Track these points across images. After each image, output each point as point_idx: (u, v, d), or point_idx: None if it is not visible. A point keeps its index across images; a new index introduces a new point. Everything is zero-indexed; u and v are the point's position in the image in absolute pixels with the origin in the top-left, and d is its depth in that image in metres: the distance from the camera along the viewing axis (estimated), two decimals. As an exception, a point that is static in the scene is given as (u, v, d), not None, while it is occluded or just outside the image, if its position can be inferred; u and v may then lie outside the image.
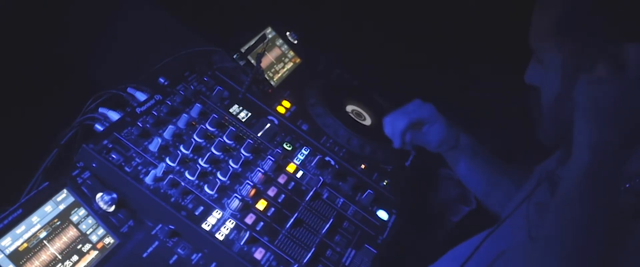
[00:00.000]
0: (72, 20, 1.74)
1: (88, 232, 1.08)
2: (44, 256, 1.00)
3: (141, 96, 1.36)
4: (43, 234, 1.02)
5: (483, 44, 2.05)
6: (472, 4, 2.08)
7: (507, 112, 2.18)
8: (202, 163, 1.28)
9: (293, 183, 1.38)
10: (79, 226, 1.07)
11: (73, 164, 1.15)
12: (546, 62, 1.03)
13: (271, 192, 1.33)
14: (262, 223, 1.25)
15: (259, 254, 1.18)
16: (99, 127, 1.24)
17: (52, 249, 1.02)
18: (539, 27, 1.04)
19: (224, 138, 1.36)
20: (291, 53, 1.80)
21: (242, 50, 1.60)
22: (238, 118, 1.47)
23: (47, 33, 1.70)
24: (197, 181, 1.23)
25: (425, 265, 1.34)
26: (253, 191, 1.29)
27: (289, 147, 1.48)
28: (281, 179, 1.37)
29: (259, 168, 1.34)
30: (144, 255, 1.11)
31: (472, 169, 1.43)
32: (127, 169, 1.17)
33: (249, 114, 1.50)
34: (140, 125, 1.26)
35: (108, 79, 1.49)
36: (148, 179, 1.17)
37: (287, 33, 1.82)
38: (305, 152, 1.50)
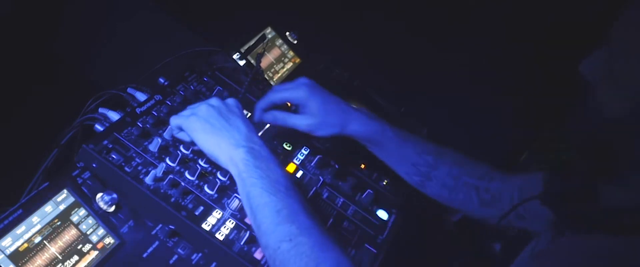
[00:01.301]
0: (72, 20, 1.75)
1: (88, 233, 1.08)
2: (45, 256, 1.01)
3: (141, 96, 1.36)
4: (43, 235, 1.02)
5: (484, 44, 2.05)
6: (473, 3, 2.08)
7: (507, 113, 2.18)
8: (202, 163, 1.28)
9: (293, 183, 1.38)
10: (79, 226, 1.07)
11: (73, 164, 1.15)
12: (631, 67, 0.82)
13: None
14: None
15: (259, 254, 1.18)
16: (99, 127, 1.24)
17: (53, 249, 1.02)
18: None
19: (224, 138, 1.36)
20: (291, 53, 1.80)
21: (242, 50, 1.60)
22: (238, 118, 1.47)
23: (48, 33, 1.70)
24: (197, 181, 1.23)
25: (424, 265, 1.34)
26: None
27: (289, 147, 1.48)
28: (281, 179, 1.37)
29: (259, 168, 1.34)
30: (144, 255, 1.11)
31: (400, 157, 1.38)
32: (127, 169, 1.17)
33: (249, 114, 1.50)
34: (140, 125, 1.26)
35: (108, 79, 1.50)
36: (148, 179, 1.17)
37: (287, 33, 1.82)
38: (305, 152, 1.50)
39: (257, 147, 1.12)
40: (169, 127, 1.27)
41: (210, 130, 1.13)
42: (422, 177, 1.37)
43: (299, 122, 1.33)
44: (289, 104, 1.45)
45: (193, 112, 1.16)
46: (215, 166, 1.29)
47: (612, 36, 0.87)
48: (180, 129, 1.19)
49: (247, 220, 1.23)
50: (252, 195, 1.07)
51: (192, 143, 1.19)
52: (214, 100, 1.18)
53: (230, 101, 1.21)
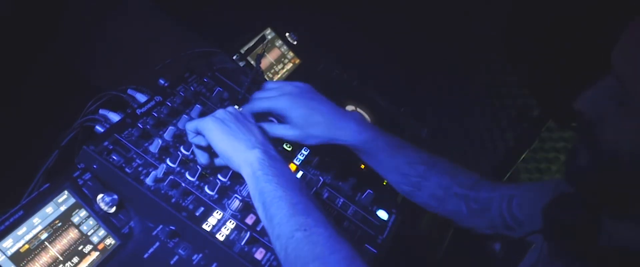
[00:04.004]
0: (72, 21, 1.75)
1: (89, 234, 1.08)
2: (45, 257, 1.01)
3: (141, 97, 1.36)
4: (44, 236, 1.02)
5: (484, 44, 2.05)
6: (473, 4, 2.08)
7: (506, 114, 2.19)
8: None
9: (293, 183, 1.38)
10: (80, 227, 1.07)
11: (74, 166, 1.16)
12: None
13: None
14: (262, 223, 1.25)
15: (259, 254, 1.18)
16: (99, 128, 1.24)
17: (54, 250, 1.02)
18: None
19: (224, 139, 1.36)
20: (291, 54, 1.80)
21: (242, 51, 1.60)
22: (238, 119, 1.47)
23: (48, 34, 1.70)
24: (197, 182, 1.24)
25: (424, 265, 1.34)
26: None
27: (289, 147, 1.48)
28: (281, 180, 1.37)
29: (259, 169, 1.34)
30: (145, 256, 1.11)
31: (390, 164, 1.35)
32: (127, 170, 1.17)
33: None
34: (141, 126, 1.26)
35: (108, 81, 1.50)
36: (149, 180, 1.17)
37: (287, 34, 1.82)
38: (305, 153, 1.50)
39: (271, 151, 1.15)
40: (170, 128, 1.27)
41: (227, 131, 1.16)
42: (412, 187, 1.35)
43: (283, 133, 1.30)
44: None
45: (210, 115, 1.19)
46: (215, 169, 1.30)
47: (614, 67, 0.80)
48: (197, 133, 1.21)
49: (247, 220, 1.23)
50: (266, 190, 1.08)
51: (208, 148, 1.21)
52: (230, 108, 1.22)
53: (245, 111, 1.25)
